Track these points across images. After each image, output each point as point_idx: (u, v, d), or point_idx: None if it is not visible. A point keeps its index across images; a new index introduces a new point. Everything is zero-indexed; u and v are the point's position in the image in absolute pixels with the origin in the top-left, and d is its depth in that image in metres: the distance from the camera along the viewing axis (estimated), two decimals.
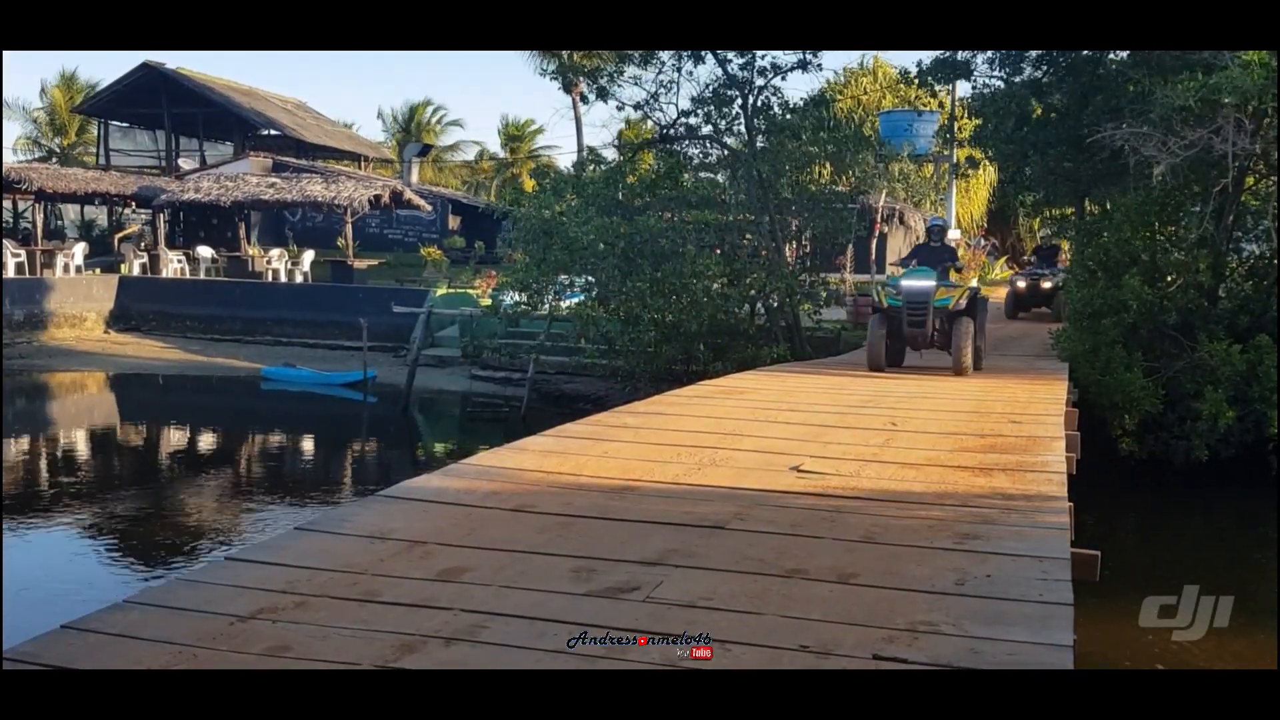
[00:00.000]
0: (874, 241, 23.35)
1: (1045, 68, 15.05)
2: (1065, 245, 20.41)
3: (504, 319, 16.79)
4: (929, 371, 11.18)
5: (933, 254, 11.73)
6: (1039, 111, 15.21)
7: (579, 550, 4.25)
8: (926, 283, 11.02)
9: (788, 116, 16.49)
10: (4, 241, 23.04)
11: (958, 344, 10.81)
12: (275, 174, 27.92)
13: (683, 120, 16.71)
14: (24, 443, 14.60)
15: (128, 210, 30.63)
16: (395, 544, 4.30)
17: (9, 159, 33.97)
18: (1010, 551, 4.28)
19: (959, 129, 18.74)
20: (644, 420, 7.51)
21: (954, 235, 25.22)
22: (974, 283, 13.45)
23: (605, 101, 17.11)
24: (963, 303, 11.06)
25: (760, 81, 16.20)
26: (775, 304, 15.30)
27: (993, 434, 7.15)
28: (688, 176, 16.81)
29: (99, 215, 32.21)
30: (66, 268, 23.64)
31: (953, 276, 11.54)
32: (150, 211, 27.35)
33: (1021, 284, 19.21)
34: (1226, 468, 10.39)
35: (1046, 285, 18.71)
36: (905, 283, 11.14)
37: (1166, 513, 10.54)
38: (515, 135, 46.27)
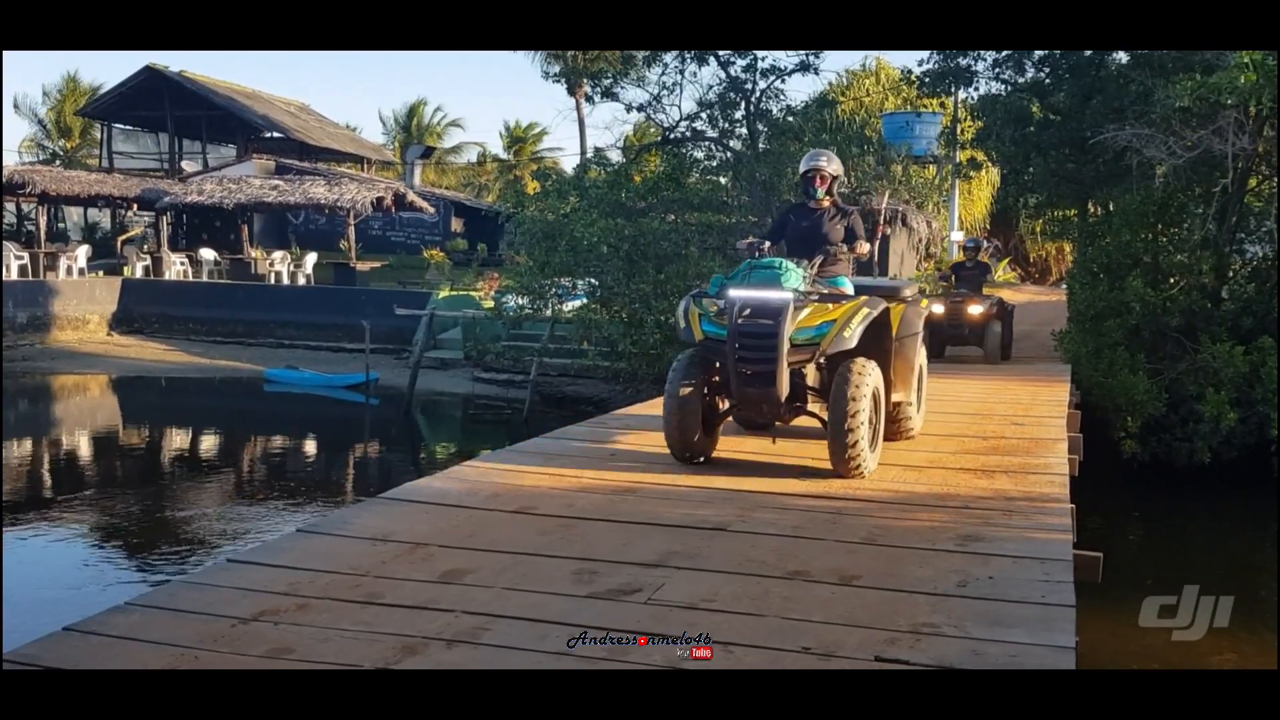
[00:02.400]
0: (876, 243, 23.29)
1: (1047, 69, 15.05)
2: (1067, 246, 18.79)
3: (506, 321, 16.79)
4: (945, 369, 11.05)
5: (809, 223, 6.48)
6: (1037, 112, 15.20)
7: (581, 552, 4.25)
8: (775, 293, 5.56)
9: (790, 119, 16.53)
10: (7, 244, 23.06)
11: (840, 416, 5.47)
12: (278, 176, 27.92)
13: (686, 123, 16.78)
14: (26, 444, 14.61)
15: (131, 213, 30.65)
16: (397, 546, 4.31)
17: (13, 161, 34.07)
18: (1012, 553, 4.29)
19: (961, 131, 18.66)
20: (646, 422, 7.50)
21: (955, 237, 25.13)
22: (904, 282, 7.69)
23: (614, 100, 17.22)
24: (853, 334, 5.60)
25: (763, 84, 16.26)
26: None
27: (995, 436, 7.15)
28: (695, 178, 16.82)
29: (102, 218, 32.25)
30: (69, 270, 23.65)
31: (843, 271, 6.35)
32: (153, 214, 27.36)
33: (938, 309, 12.47)
34: (1229, 470, 10.37)
35: (975, 312, 12.70)
36: (736, 292, 5.63)
37: (1169, 515, 10.52)
38: (519, 138, 46.30)
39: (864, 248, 6.31)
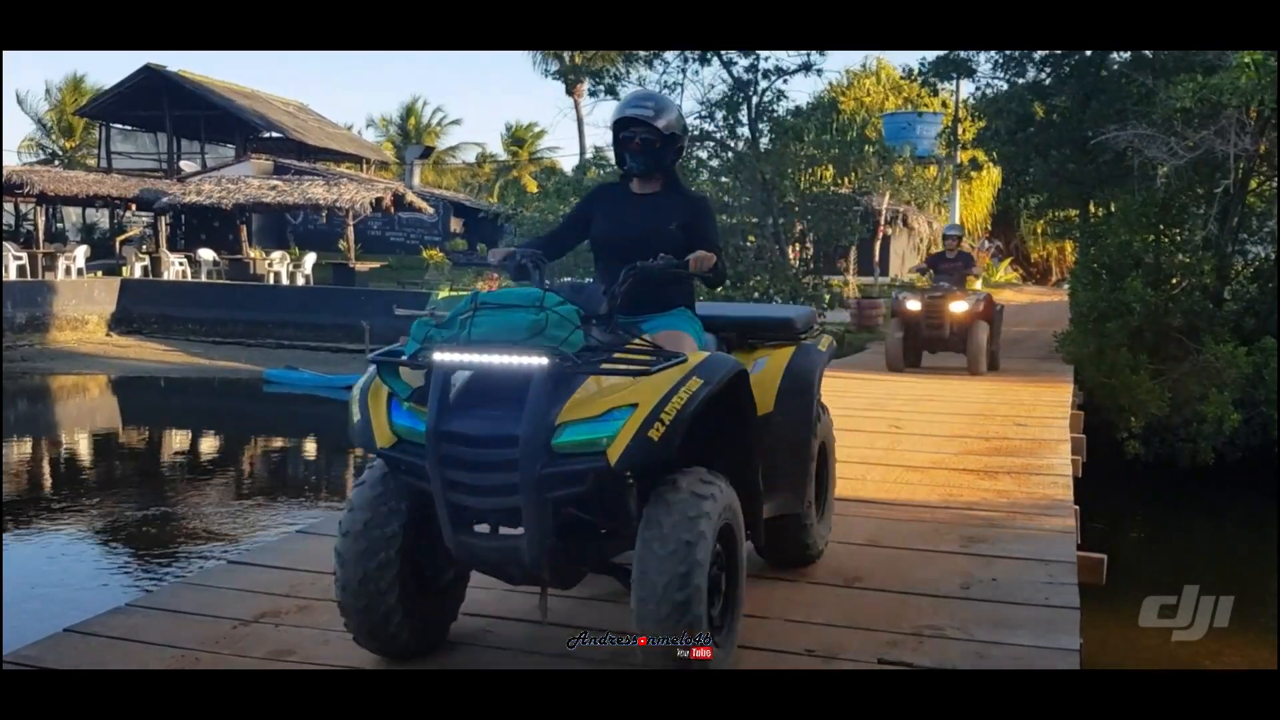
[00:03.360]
0: (877, 244, 23.33)
1: (1048, 69, 15.04)
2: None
3: None
4: (936, 373, 11.08)
5: (631, 216, 3.64)
6: (1040, 113, 15.19)
7: None
8: (517, 356, 2.88)
9: (794, 119, 16.54)
10: (6, 244, 23.04)
11: (651, 583, 2.87)
12: (277, 176, 27.91)
13: (696, 121, 16.76)
14: (26, 445, 14.59)
15: (129, 213, 30.64)
16: None
17: (11, 161, 34.07)
18: (1016, 555, 4.28)
19: (962, 131, 18.65)
20: None
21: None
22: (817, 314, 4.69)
23: (615, 98, 17.21)
24: (668, 429, 2.87)
25: (764, 84, 16.25)
26: None
27: (998, 437, 7.14)
28: (705, 177, 16.83)
29: (101, 218, 32.23)
30: (68, 270, 23.62)
31: (680, 299, 3.66)
32: (152, 214, 27.35)
33: (914, 306, 11.06)
34: (1233, 470, 10.35)
35: (957, 310, 10.79)
36: (445, 356, 2.92)
37: (1172, 516, 10.51)
38: (519, 139, 46.30)
39: (707, 260, 3.38)
